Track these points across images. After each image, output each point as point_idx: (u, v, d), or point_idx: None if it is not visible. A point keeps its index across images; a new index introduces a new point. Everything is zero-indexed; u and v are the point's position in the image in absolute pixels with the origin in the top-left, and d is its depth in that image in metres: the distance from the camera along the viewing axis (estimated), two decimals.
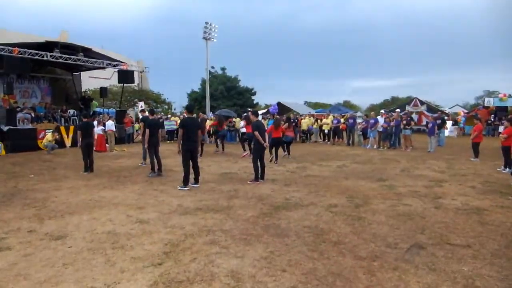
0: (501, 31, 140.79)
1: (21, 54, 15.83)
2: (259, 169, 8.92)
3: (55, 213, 6.31)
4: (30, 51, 16.19)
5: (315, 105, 56.87)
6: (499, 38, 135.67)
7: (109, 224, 5.63)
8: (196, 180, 8.38)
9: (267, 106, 40.72)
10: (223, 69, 47.30)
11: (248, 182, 8.75)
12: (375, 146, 17.05)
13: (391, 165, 11.69)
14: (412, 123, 16.14)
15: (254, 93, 47.79)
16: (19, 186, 8.63)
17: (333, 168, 11.11)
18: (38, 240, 4.97)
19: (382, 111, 19.00)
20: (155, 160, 10.01)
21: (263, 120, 20.56)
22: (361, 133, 18.50)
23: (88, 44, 20.37)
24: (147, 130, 9.96)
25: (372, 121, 17.21)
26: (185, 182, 8.14)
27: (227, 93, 44.35)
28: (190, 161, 8.21)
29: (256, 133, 8.76)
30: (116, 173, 10.39)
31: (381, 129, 16.62)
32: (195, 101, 45.55)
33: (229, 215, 5.94)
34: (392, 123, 16.24)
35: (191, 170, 8.29)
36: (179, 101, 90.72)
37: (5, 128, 15.53)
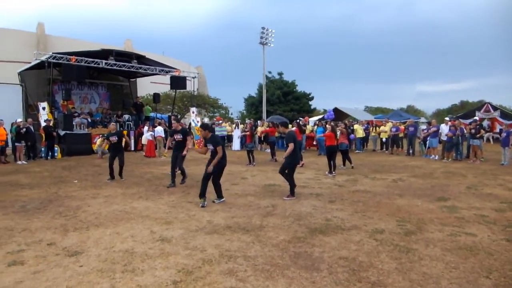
0: None
1: (78, 62, 16.41)
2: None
3: (82, 224, 6.10)
4: (86, 59, 16.76)
5: (376, 111, 54.60)
6: None
7: (129, 240, 5.24)
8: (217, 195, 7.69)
9: (325, 112, 39.56)
10: (280, 74, 46.71)
11: (284, 198, 7.98)
12: (436, 157, 15.51)
13: (455, 180, 10.34)
14: (482, 131, 14.41)
15: (312, 98, 46.74)
16: (59, 192, 8.66)
17: (388, 182, 10.04)
18: (53, 255, 4.71)
19: (447, 118, 17.29)
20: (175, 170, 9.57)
21: (316, 126, 19.83)
22: (422, 142, 17.01)
23: (150, 51, 20.89)
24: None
25: (433, 128, 15.74)
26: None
27: (283, 98, 43.73)
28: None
29: (292, 145, 7.89)
30: (157, 181, 10.17)
31: (445, 138, 15.09)
32: (252, 106, 45.50)
33: (258, 238, 5.30)
34: (457, 132, 14.64)
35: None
36: (236, 106, 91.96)
37: (62, 133, 16.14)
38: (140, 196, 8.27)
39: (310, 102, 46.79)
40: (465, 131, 14.92)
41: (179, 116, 23.09)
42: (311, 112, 44.17)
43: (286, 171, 8.16)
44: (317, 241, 5.13)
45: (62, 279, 4.00)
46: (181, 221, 6.23)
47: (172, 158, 9.54)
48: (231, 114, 46.50)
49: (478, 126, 14.69)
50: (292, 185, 8.09)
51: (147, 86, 35.26)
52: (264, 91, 36.09)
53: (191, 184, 9.46)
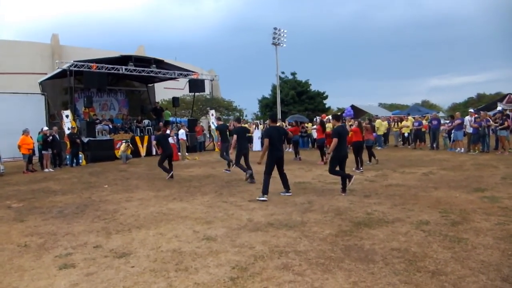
0: None
1: (99, 69, 16.61)
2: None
3: (123, 226, 6.13)
4: (106, 65, 16.95)
5: (390, 107, 54.17)
6: None
7: (174, 240, 5.25)
8: (287, 188, 8.18)
9: (339, 110, 39.41)
10: (293, 74, 46.68)
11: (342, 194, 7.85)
12: (462, 150, 15.28)
13: (487, 171, 10.16)
14: (508, 122, 14.13)
15: (326, 97, 46.57)
16: (93, 197, 8.74)
17: (418, 175, 9.92)
18: (102, 257, 4.73)
19: (471, 110, 17.03)
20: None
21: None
22: (446, 135, 16.77)
23: (162, 56, 21.07)
24: (235, 137, 10.39)
25: (458, 121, 15.51)
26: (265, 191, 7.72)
27: (298, 98, 43.66)
28: (276, 169, 8.05)
29: (336, 140, 7.77)
30: (187, 183, 10.22)
31: (470, 130, 14.86)
32: (266, 107, 45.49)
33: (303, 233, 5.27)
34: (483, 123, 14.40)
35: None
36: (250, 107, 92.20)
37: (86, 140, 16.34)
38: (173, 197, 8.32)
39: (325, 101, 46.61)
40: (490, 122, 14.67)
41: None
42: (326, 110, 43.93)
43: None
44: (364, 234, 5.08)
45: (117, 280, 4.00)
46: (221, 220, 6.23)
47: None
48: (246, 116, 46.56)
49: (504, 117, 14.43)
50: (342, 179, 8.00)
51: (162, 92, 35.51)
52: (278, 91, 36.11)
53: (222, 185, 9.49)
